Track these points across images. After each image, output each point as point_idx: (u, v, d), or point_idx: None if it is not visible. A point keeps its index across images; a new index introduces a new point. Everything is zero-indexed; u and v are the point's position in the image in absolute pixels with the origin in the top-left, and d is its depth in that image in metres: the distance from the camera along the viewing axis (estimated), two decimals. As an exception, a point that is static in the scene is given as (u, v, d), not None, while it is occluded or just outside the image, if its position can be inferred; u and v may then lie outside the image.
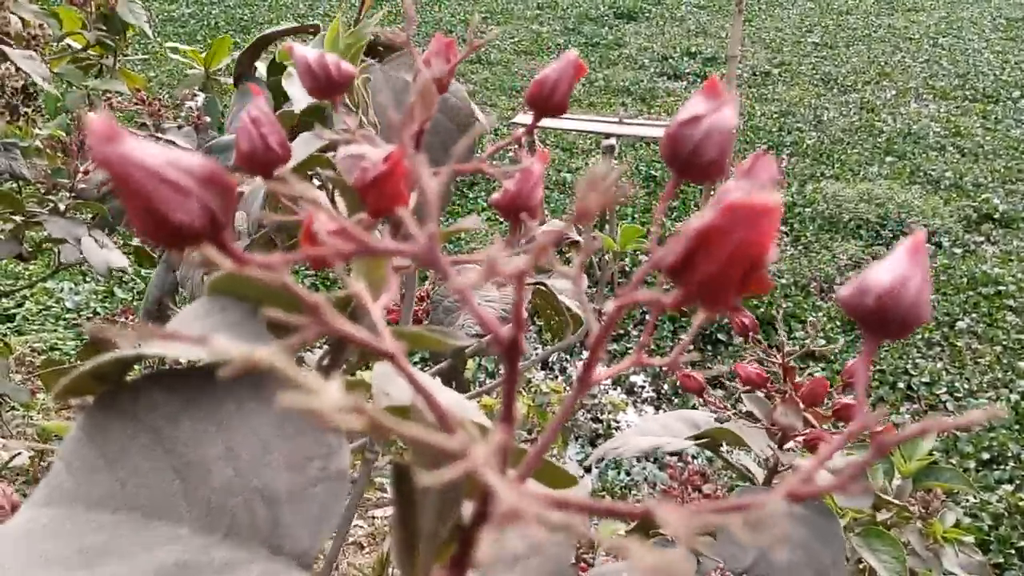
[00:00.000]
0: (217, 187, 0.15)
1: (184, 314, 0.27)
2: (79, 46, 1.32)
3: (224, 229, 0.15)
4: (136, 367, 0.27)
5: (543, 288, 0.79)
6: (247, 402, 0.22)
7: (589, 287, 2.33)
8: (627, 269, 2.69)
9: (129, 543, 0.21)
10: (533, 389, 2.23)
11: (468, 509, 0.20)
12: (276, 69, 0.69)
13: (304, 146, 0.46)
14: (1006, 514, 2.02)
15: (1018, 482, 2.13)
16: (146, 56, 5.08)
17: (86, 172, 1.04)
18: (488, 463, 0.11)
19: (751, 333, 0.62)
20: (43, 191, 1.06)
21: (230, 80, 1.29)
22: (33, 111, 1.18)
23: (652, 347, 2.65)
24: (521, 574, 0.16)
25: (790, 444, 0.62)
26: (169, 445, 0.22)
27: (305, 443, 0.21)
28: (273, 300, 0.17)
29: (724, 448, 0.70)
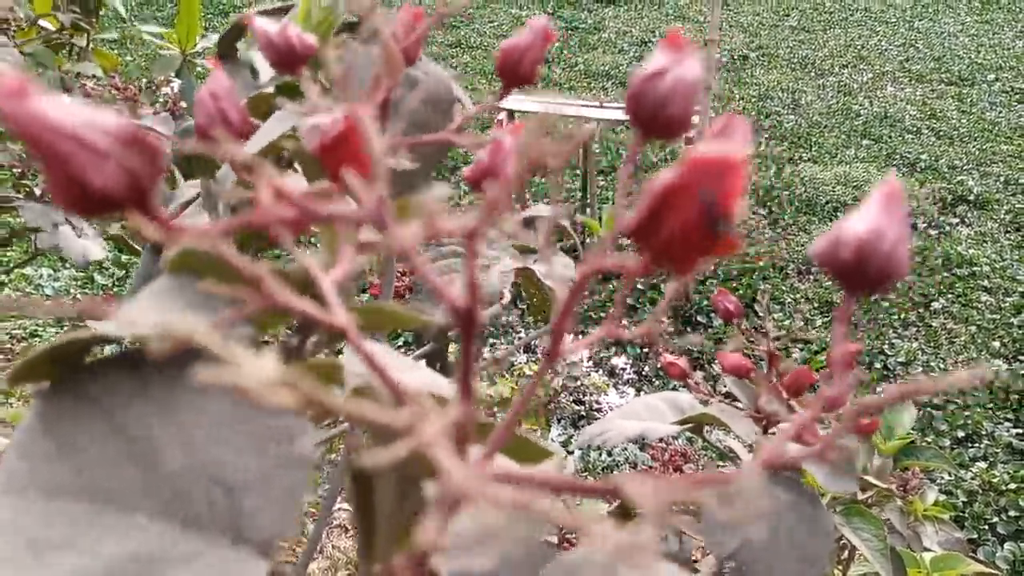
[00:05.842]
0: (139, 149, 0.14)
1: (144, 293, 0.26)
2: (53, 28, 1.29)
3: (149, 194, 0.14)
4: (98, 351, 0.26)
5: (527, 270, 0.78)
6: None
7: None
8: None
9: (84, 534, 0.20)
10: (517, 372, 2.23)
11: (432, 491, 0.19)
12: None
13: (278, 124, 0.45)
14: (980, 491, 2.05)
15: (992, 459, 2.16)
16: (121, 40, 5.00)
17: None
18: (438, 439, 0.11)
19: (735, 319, 0.62)
20: (17, 175, 1.04)
21: (207, 63, 1.27)
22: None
23: (630, 326, 2.65)
24: (488, 556, 0.15)
25: (775, 430, 0.62)
26: (122, 429, 0.21)
27: (265, 427, 0.20)
28: (225, 274, 0.16)
29: (708, 428, 0.70)
